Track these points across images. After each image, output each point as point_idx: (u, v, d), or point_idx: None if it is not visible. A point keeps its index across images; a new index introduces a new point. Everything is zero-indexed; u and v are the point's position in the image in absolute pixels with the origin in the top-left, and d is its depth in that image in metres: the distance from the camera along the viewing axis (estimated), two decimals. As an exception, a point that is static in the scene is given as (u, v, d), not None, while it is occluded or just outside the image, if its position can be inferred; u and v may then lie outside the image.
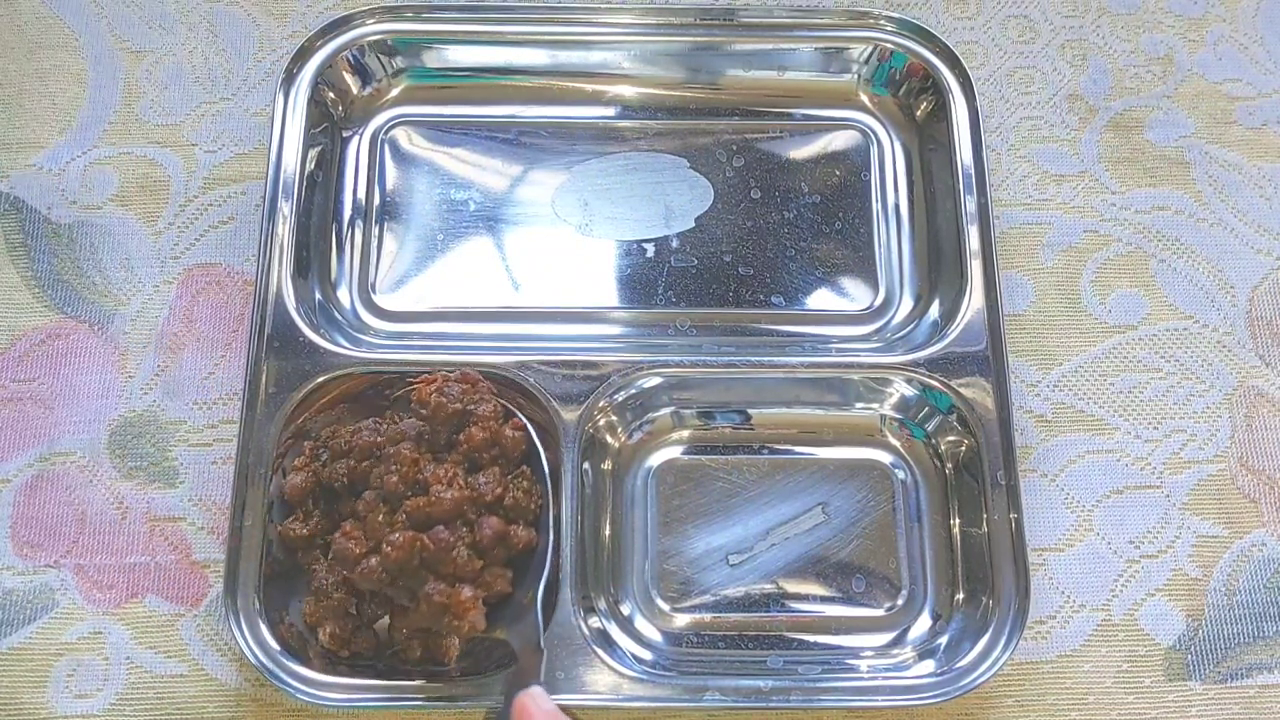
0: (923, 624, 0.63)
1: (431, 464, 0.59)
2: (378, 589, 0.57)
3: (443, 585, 0.56)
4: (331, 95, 0.73)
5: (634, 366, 0.65)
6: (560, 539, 0.61)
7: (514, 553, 0.59)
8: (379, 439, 0.60)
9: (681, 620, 0.63)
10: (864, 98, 0.75)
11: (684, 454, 0.67)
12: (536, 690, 0.54)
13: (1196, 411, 0.68)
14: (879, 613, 0.63)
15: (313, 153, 0.70)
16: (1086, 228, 0.72)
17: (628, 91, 0.75)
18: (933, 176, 0.72)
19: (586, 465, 0.64)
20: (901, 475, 0.66)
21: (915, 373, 0.66)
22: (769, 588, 0.63)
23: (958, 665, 0.60)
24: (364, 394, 0.64)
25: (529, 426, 0.62)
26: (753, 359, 0.66)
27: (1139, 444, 0.67)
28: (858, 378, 0.66)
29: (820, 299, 0.70)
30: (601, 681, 0.59)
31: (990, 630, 0.60)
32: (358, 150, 0.73)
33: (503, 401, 0.62)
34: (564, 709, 0.58)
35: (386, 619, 0.59)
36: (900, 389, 0.66)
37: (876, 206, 0.72)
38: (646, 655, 0.61)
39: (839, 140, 0.74)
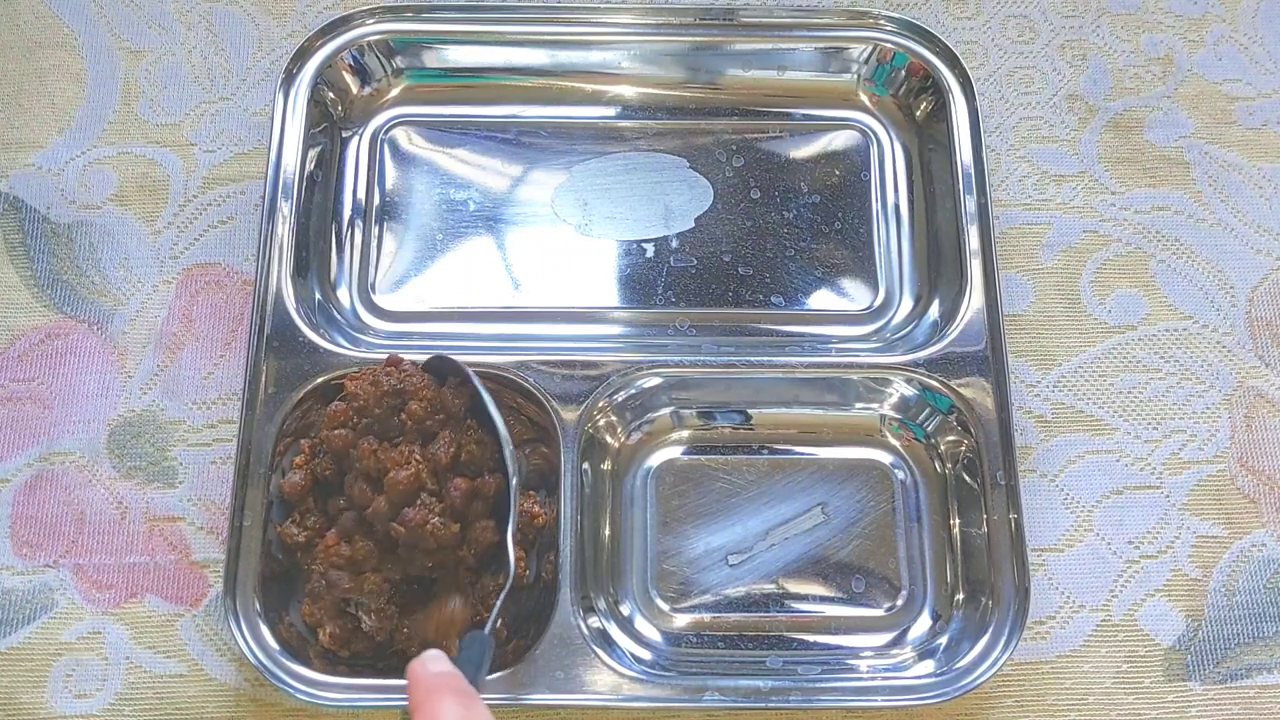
0: (922, 624, 0.63)
1: (390, 451, 0.59)
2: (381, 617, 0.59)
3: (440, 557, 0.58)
4: (331, 95, 0.72)
5: (634, 366, 0.65)
6: (559, 531, 0.61)
7: (492, 502, 0.59)
8: (355, 405, 0.60)
9: (681, 620, 0.63)
10: (864, 98, 0.75)
11: (683, 454, 0.66)
12: (431, 653, 0.52)
13: (1196, 412, 0.68)
14: (879, 613, 0.63)
15: (312, 153, 0.70)
16: (1086, 228, 0.72)
17: (628, 91, 0.75)
18: (932, 176, 0.72)
19: (586, 465, 0.64)
20: (901, 475, 0.66)
21: (915, 373, 0.66)
22: (769, 588, 0.63)
23: (957, 665, 0.60)
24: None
25: (472, 377, 0.61)
26: (752, 359, 0.66)
27: (1139, 444, 0.67)
28: (857, 378, 0.66)
29: (820, 299, 0.70)
30: (601, 681, 0.59)
31: (990, 630, 0.60)
32: (357, 150, 0.73)
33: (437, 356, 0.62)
34: (564, 709, 0.59)
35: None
36: (900, 389, 0.66)
37: (876, 206, 0.72)
38: (646, 655, 0.61)
39: (839, 140, 0.74)
